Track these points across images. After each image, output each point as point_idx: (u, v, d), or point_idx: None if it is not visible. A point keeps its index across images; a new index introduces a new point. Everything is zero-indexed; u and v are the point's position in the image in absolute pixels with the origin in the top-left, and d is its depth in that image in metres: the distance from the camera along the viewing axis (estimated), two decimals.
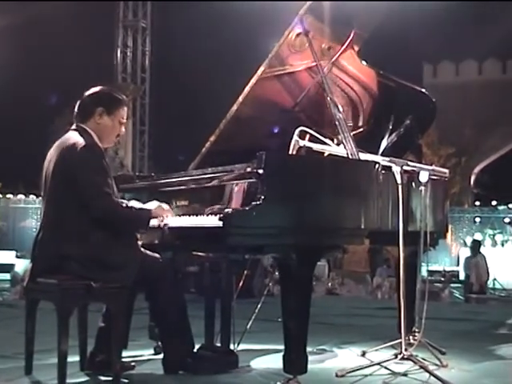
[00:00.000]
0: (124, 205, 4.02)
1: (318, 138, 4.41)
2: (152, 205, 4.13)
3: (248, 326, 4.81)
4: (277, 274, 4.27)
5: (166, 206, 4.17)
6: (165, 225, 4.05)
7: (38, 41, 21.83)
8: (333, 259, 15.27)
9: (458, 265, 17.78)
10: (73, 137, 4.03)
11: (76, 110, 4.17)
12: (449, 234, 19.54)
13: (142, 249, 4.11)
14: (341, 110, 4.61)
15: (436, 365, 4.50)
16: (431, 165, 4.83)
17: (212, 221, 3.73)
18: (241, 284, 5.00)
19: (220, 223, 3.61)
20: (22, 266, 12.63)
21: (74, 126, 4.13)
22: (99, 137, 4.09)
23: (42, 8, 18.74)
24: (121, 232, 4.00)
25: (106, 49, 23.33)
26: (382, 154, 4.79)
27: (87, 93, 4.19)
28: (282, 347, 3.91)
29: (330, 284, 14.03)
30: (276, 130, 4.86)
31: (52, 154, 4.06)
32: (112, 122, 4.16)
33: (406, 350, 4.32)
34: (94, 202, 3.87)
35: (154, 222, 4.08)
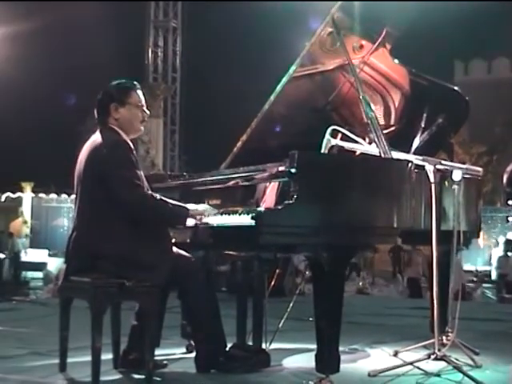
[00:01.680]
0: (158, 197, 4.00)
1: (349, 137, 4.40)
2: (201, 206, 4.14)
3: (280, 325, 4.81)
4: (307, 273, 4.26)
5: (204, 206, 4.18)
6: (202, 222, 4.06)
7: (70, 41, 22.01)
8: (363, 259, 15.22)
9: (490, 264, 17.62)
10: (99, 136, 4.07)
11: (96, 113, 4.20)
12: (481, 234, 19.47)
13: (175, 248, 4.13)
14: (373, 108, 4.59)
15: (469, 365, 4.45)
16: (464, 163, 4.79)
17: (244, 219, 3.74)
18: (272, 283, 4.99)
19: (252, 222, 3.62)
20: (55, 264, 12.75)
21: (99, 128, 4.16)
22: (124, 130, 4.11)
23: (75, 8, 18.91)
24: (155, 225, 4.03)
25: (138, 49, 23.48)
26: (415, 153, 4.76)
27: (99, 95, 4.20)
28: (314, 346, 3.91)
29: (360, 283, 14.01)
30: (308, 129, 4.84)
31: (83, 155, 4.10)
32: (129, 111, 4.15)
33: (439, 350, 4.29)
34: (125, 194, 3.88)
35: (191, 222, 4.09)
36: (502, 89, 27.45)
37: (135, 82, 4.29)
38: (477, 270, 15.59)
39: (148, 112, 4.26)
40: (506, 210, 23.32)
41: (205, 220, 4.07)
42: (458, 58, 29.63)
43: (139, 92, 4.23)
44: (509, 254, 13.92)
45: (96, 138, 4.09)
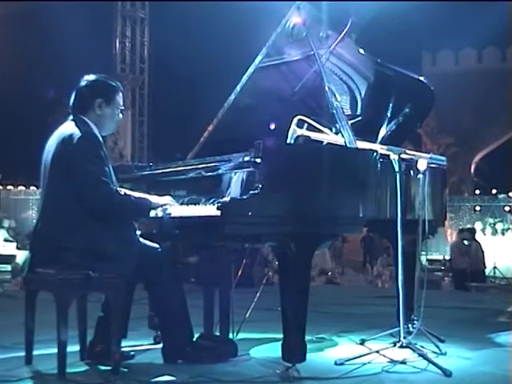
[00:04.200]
0: (122, 192, 4.01)
1: (315, 127, 4.41)
2: (152, 198, 4.13)
3: (247, 315, 4.82)
4: (276, 263, 4.28)
5: (167, 198, 4.18)
6: (166, 213, 4.06)
7: (36, 31, 21.77)
8: (333, 249, 15.28)
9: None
10: (70, 127, 4.03)
11: (72, 101, 4.16)
12: (449, 223, 19.64)
13: (141, 239, 4.12)
14: (338, 98, 4.61)
15: (435, 353, 4.50)
16: (429, 153, 4.83)
17: (210, 210, 3.74)
18: (240, 273, 5.00)
19: (218, 212, 3.62)
20: (23, 257, 12.63)
21: (71, 117, 4.13)
22: (99, 126, 4.10)
23: None
24: (120, 220, 4.01)
25: (105, 39, 23.28)
26: (381, 143, 4.78)
27: (83, 83, 4.17)
28: (281, 336, 3.93)
29: (329, 273, 14.05)
30: (274, 120, 4.85)
31: (50, 145, 4.06)
32: (112, 110, 4.18)
33: (404, 338, 4.33)
34: (91, 191, 3.87)
35: (154, 213, 4.08)
36: (469, 79, 27.65)
37: (119, 84, 4.33)
38: (444, 259, 15.69)
39: (122, 117, 4.27)
40: (473, 199, 23.54)
41: (170, 211, 4.07)
42: (425, 49, 29.79)
43: (121, 95, 4.26)
44: (465, 242, 14.03)
45: (66, 128, 4.05)
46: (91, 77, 4.20)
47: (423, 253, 5.15)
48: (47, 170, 4.04)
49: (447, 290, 12.55)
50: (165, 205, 4.09)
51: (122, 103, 4.26)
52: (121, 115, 4.27)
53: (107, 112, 4.15)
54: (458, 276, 13.42)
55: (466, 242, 13.92)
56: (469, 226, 18.00)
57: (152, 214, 4.07)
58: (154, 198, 4.11)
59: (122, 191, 4.02)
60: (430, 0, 19.97)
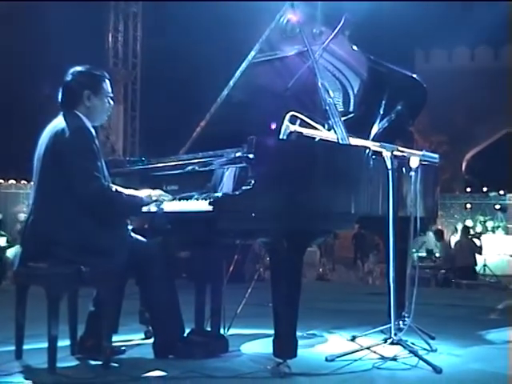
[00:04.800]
0: (114, 189, 4.00)
1: (308, 123, 4.41)
2: (143, 192, 4.12)
3: (238, 311, 4.82)
4: (268, 259, 4.28)
5: (159, 191, 4.17)
6: (160, 208, 4.06)
7: (29, 26, 21.68)
8: (324, 245, 15.30)
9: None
10: (62, 122, 4.02)
11: (61, 97, 4.15)
12: (440, 221, 19.68)
13: (133, 233, 4.12)
14: (331, 94, 4.60)
15: (425, 349, 4.52)
16: (422, 150, 4.84)
17: (202, 205, 3.73)
18: (231, 269, 4.99)
19: (210, 208, 3.62)
20: (13, 251, 12.59)
21: (62, 112, 4.11)
22: (91, 118, 4.09)
23: None
24: (111, 216, 4.00)
25: (97, 34, 23.19)
26: (373, 140, 4.78)
27: (68, 78, 4.15)
28: (272, 332, 3.93)
29: (321, 270, 14.08)
30: (267, 115, 4.84)
31: (42, 140, 4.05)
32: (100, 100, 4.17)
33: (395, 334, 4.34)
34: (84, 186, 3.86)
35: (146, 208, 4.08)
36: (462, 77, 27.72)
37: (104, 72, 4.29)
38: (435, 256, 15.73)
39: (112, 102, 4.25)
40: (464, 197, 23.61)
41: (163, 206, 4.07)
42: (418, 47, 29.83)
43: (108, 82, 4.24)
44: (475, 241, 14.17)
45: (58, 122, 4.04)
46: (75, 69, 4.17)
47: (414, 250, 5.16)
48: (40, 163, 4.03)
49: (437, 288, 12.58)
50: (157, 200, 4.09)
51: (110, 90, 4.24)
52: (111, 102, 4.26)
53: (96, 103, 4.14)
54: (460, 273, 13.44)
55: (476, 241, 14.10)
56: (460, 223, 18.14)
57: (144, 208, 4.06)
58: (144, 192, 4.10)
59: (114, 187, 4.01)
60: None
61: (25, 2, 19.57)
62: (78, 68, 4.19)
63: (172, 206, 4.06)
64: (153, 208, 4.09)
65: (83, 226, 3.88)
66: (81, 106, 4.10)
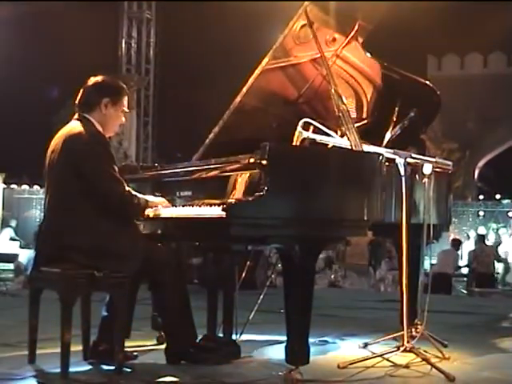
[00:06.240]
0: (133, 193, 4.05)
1: (321, 130, 4.41)
2: (157, 199, 4.16)
3: (250, 317, 4.81)
4: (279, 265, 4.28)
5: (161, 199, 4.21)
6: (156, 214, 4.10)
7: (42, 32, 21.80)
8: (335, 252, 15.26)
9: (461, 258, 17.76)
10: (77, 126, 4.04)
11: (79, 99, 4.18)
12: (453, 228, 19.60)
13: (146, 239, 4.13)
14: (345, 101, 4.59)
15: (438, 357, 4.50)
16: (434, 157, 4.83)
17: (215, 211, 3.73)
18: (243, 275, 5.00)
19: (223, 213, 3.62)
20: (26, 256, 12.64)
21: (76, 116, 4.14)
22: (103, 126, 4.12)
23: None
24: (128, 219, 4.03)
25: (111, 40, 23.30)
26: (386, 147, 4.78)
27: (90, 82, 4.19)
28: (284, 338, 3.92)
29: (332, 276, 14.04)
30: (280, 122, 4.85)
31: (56, 144, 4.07)
32: (116, 112, 4.20)
33: (408, 342, 4.33)
34: (109, 189, 3.92)
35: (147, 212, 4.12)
36: (475, 84, 27.63)
37: (125, 86, 4.35)
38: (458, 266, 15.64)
39: (124, 120, 4.29)
40: (477, 204, 23.52)
41: (176, 211, 4.08)
42: (431, 53, 29.76)
43: (127, 98, 4.29)
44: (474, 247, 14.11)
45: (73, 127, 4.06)
46: (99, 77, 4.22)
47: (427, 257, 5.14)
48: (52, 168, 4.04)
49: (450, 295, 12.51)
50: (158, 205, 4.14)
51: (126, 106, 4.27)
52: (124, 118, 4.28)
53: (112, 113, 4.17)
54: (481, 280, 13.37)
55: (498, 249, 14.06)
56: (472, 231, 18.06)
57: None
58: (149, 198, 4.16)
59: (132, 191, 4.06)
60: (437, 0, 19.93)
61: (40, 6, 19.65)
62: (103, 76, 4.23)
63: (186, 211, 4.06)
64: (151, 214, 4.12)
65: (97, 230, 3.90)
66: (96, 111, 4.12)
